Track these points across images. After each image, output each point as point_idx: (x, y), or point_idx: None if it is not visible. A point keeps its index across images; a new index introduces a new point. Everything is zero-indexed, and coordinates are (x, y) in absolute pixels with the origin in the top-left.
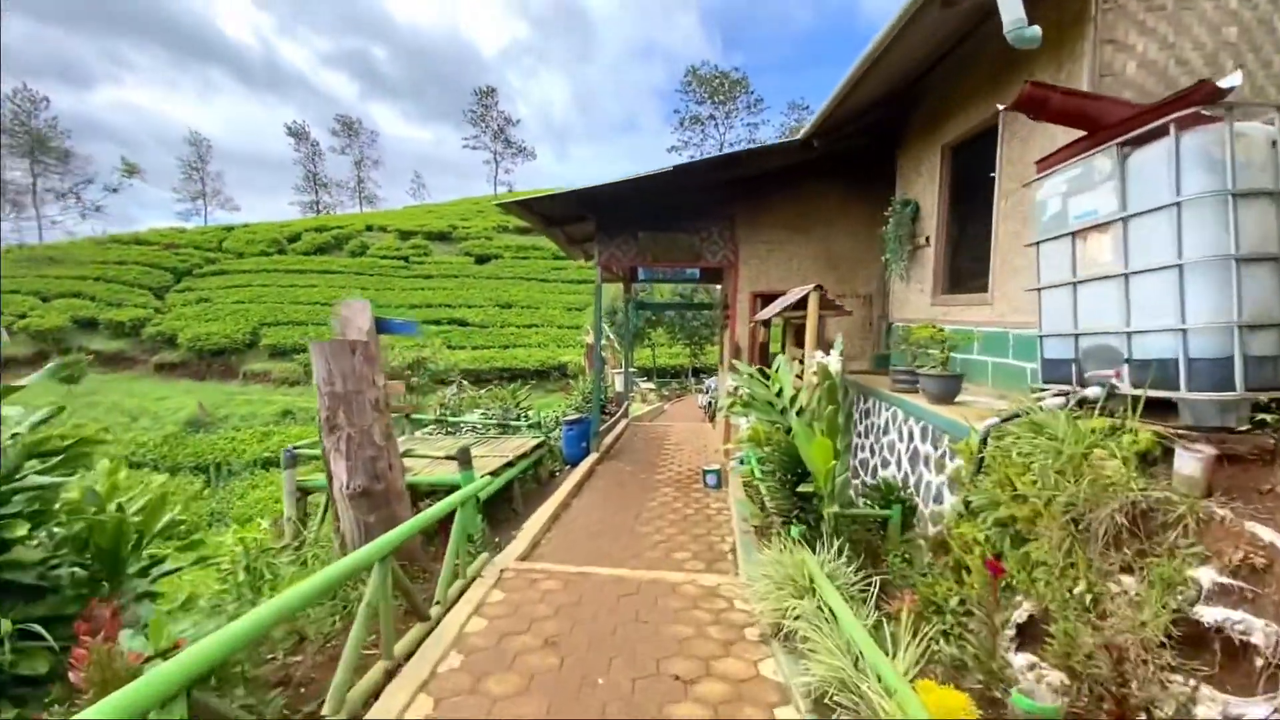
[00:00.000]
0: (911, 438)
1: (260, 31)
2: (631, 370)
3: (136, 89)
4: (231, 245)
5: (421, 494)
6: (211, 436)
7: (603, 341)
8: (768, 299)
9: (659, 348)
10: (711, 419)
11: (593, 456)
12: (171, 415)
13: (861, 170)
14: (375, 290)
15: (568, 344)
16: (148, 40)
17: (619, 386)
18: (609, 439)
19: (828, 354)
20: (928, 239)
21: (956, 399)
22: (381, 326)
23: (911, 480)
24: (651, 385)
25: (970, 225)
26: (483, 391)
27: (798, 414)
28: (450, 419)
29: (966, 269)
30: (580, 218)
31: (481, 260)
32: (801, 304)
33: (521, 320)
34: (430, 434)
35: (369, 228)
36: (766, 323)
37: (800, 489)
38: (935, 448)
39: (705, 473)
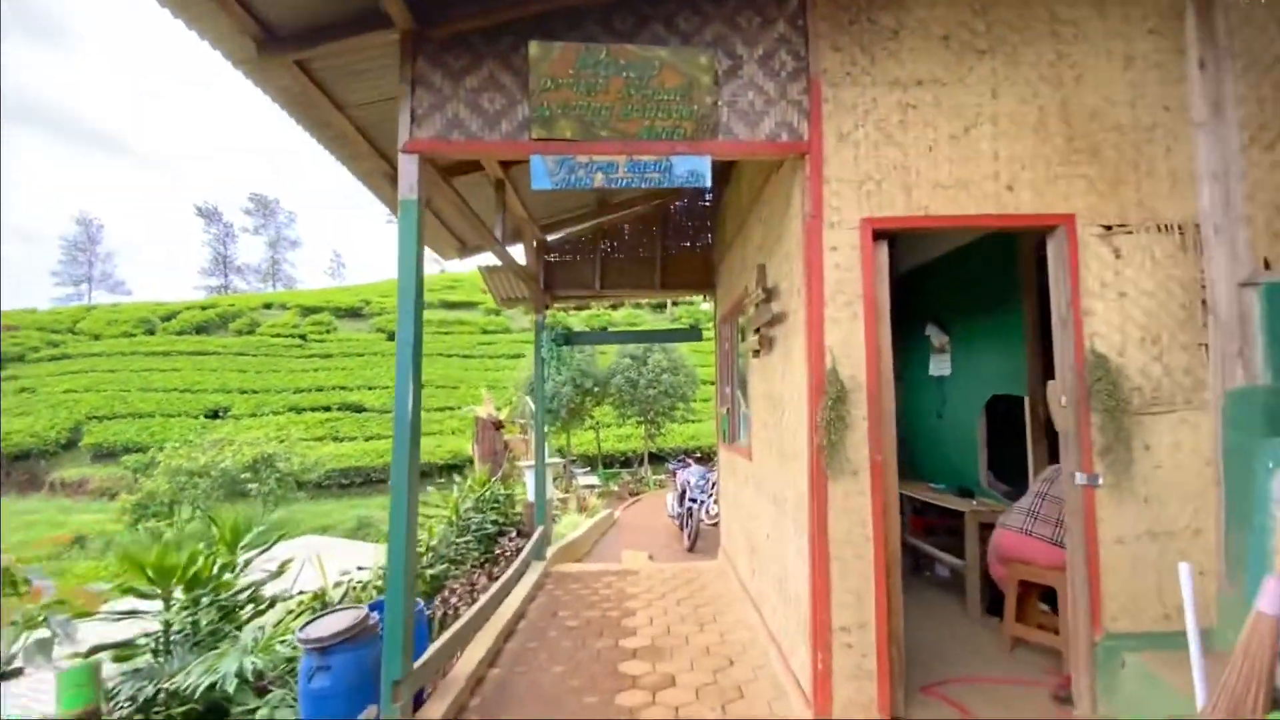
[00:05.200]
0: None
1: (161, 115)
2: (568, 460)
3: (32, 178)
4: (88, 327)
5: None
6: None
7: (489, 412)
8: (909, 239)
9: (605, 428)
10: (693, 541)
11: None
12: None
13: None
14: (255, 372)
15: None
16: (40, 130)
17: (529, 491)
18: (475, 656)
19: None
20: None
21: None
22: None
23: None
24: (594, 480)
25: None
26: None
27: None
28: None
29: None
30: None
31: (394, 337)
32: None
33: (434, 403)
34: None
35: (268, 305)
36: None
37: None
38: None
39: None
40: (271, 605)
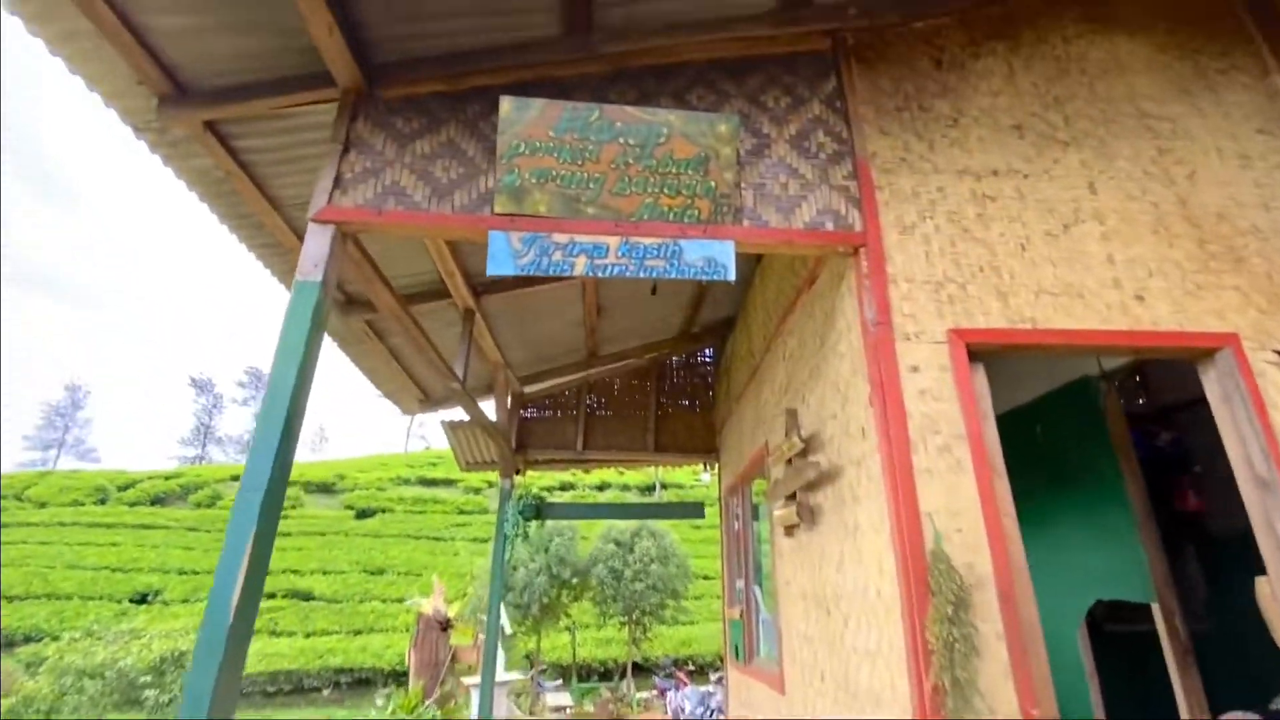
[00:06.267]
0: None
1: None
2: (536, 671)
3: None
4: (38, 494)
5: None
6: None
7: (435, 607)
8: (998, 355)
9: (582, 629)
10: None
11: None
12: None
13: None
14: (202, 550)
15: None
16: (39, 292)
17: (475, 715)
18: None
19: None
20: None
21: None
22: None
23: None
24: (567, 700)
25: None
26: None
27: None
28: None
29: None
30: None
31: (364, 515)
32: None
33: (392, 592)
34: None
35: (235, 477)
36: None
37: None
38: None
39: None
40: None
